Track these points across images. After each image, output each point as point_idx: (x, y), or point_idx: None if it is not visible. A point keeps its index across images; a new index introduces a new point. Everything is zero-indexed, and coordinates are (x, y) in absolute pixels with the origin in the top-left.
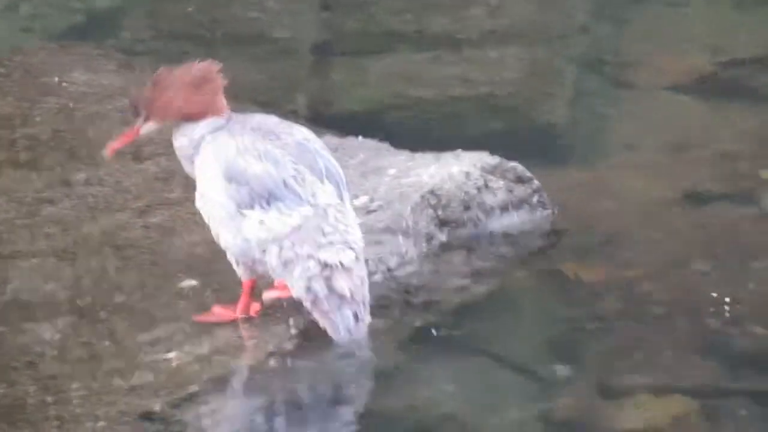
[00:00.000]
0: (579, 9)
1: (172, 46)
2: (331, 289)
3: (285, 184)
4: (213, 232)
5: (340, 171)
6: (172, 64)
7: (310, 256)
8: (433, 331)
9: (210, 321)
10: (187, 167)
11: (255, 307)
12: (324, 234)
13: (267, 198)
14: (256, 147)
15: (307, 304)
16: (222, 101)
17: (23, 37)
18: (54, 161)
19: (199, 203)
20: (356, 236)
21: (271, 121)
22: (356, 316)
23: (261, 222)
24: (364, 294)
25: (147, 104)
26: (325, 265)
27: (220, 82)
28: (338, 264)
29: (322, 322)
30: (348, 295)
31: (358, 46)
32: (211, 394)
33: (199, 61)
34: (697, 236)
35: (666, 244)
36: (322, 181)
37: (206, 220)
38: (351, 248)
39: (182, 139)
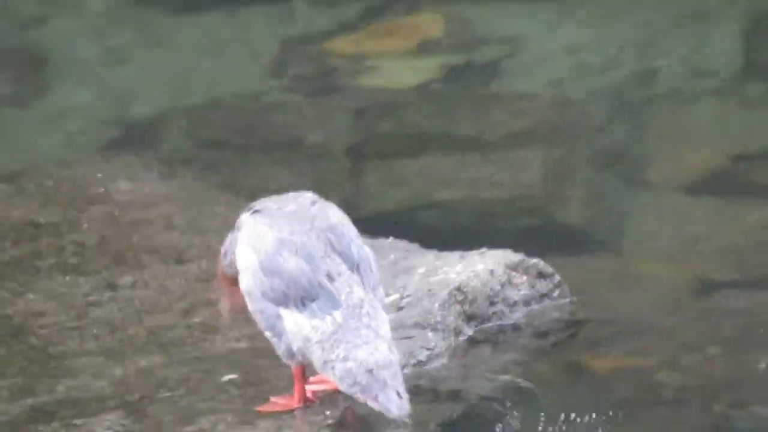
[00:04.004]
0: (596, 110)
1: (209, 154)
2: (372, 379)
3: (320, 285)
4: (259, 326)
5: (371, 258)
6: (211, 172)
7: (347, 358)
8: (479, 421)
9: (272, 411)
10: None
11: (309, 391)
12: (359, 335)
13: (303, 297)
14: (291, 240)
15: (355, 393)
16: None
17: (66, 151)
18: (100, 266)
19: (245, 297)
20: (386, 329)
21: (305, 199)
22: (399, 395)
23: (296, 322)
24: (400, 377)
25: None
26: (362, 363)
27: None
28: (374, 359)
29: (372, 404)
30: (388, 380)
31: (389, 149)
32: None
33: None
34: (710, 323)
35: (680, 331)
36: (353, 272)
37: (251, 313)
38: (383, 341)
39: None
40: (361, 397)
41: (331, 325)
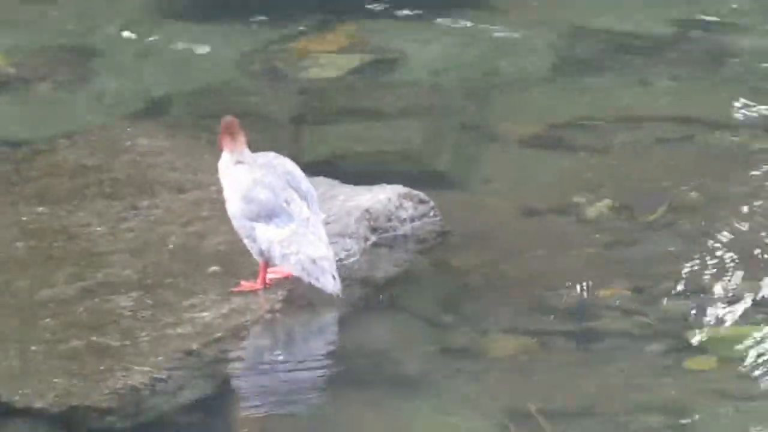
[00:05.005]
0: (459, 94)
1: (200, 121)
2: (315, 267)
3: (281, 207)
4: (239, 236)
5: (314, 192)
6: (202, 133)
7: (299, 252)
8: (380, 297)
9: (241, 291)
10: (222, 180)
11: (268, 279)
12: (307, 238)
13: (269, 215)
14: (261, 179)
15: (303, 276)
16: (237, 142)
17: (105, 118)
18: (127, 194)
19: (231, 218)
20: (323, 235)
21: (271, 156)
22: (334, 278)
23: (264, 231)
24: (334, 266)
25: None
26: (308, 255)
27: (236, 129)
28: (317, 254)
29: (315, 284)
30: (327, 267)
31: (319, 119)
32: (229, 338)
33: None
34: (533, 234)
35: (513, 241)
36: (302, 199)
37: (234, 228)
38: (323, 242)
39: (220, 162)
40: (307, 278)
41: (288, 232)
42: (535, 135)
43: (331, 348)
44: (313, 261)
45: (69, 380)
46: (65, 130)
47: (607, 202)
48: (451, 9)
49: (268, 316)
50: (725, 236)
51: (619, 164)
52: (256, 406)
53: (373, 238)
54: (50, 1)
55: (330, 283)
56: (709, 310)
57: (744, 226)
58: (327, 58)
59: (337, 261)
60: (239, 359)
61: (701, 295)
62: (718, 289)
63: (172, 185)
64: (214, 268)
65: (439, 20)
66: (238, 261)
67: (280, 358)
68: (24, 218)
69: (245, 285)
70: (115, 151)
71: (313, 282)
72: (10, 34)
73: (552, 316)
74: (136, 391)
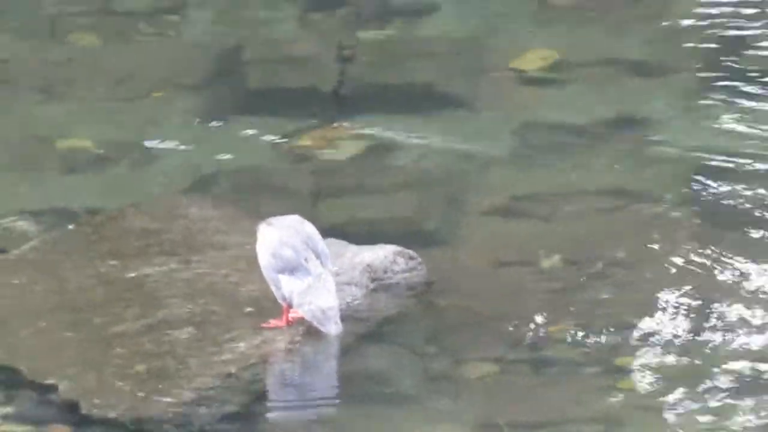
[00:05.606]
0: (441, 173)
1: (241, 195)
2: (323, 315)
3: (301, 264)
4: (268, 283)
5: (327, 251)
6: (241, 204)
7: (311, 302)
8: (378, 332)
9: (269, 327)
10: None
11: (290, 318)
12: (318, 290)
13: (291, 270)
14: (287, 240)
15: (313, 322)
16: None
17: (162, 191)
18: (182, 251)
19: (262, 269)
20: (332, 286)
21: (296, 220)
22: (336, 323)
23: (287, 282)
24: (338, 314)
25: None
26: (318, 306)
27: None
28: (324, 304)
29: (321, 328)
30: (331, 316)
31: (331, 193)
32: (261, 363)
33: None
34: (500, 283)
35: (484, 286)
36: (317, 258)
37: (264, 277)
38: (331, 294)
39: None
40: (315, 323)
41: (305, 284)
42: (501, 205)
43: (339, 371)
44: (322, 311)
45: (135, 396)
46: (133, 200)
47: (557, 257)
48: (432, 107)
49: (291, 346)
50: (649, 285)
51: (567, 228)
52: (281, 416)
53: (373, 286)
54: (124, 101)
55: (333, 329)
56: (634, 342)
57: (664, 278)
58: (335, 145)
59: (345, 303)
60: (268, 380)
61: (628, 329)
62: (641, 325)
63: (216, 245)
64: (248, 309)
65: (423, 116)
66: (268, 304)
67: (299, 379)
68: (101, 270)
69: (273, 322)
70: (172, 217)
71: (319, 327)
72: (94, 125)
73: (514, 347)
74: (187, 405)
